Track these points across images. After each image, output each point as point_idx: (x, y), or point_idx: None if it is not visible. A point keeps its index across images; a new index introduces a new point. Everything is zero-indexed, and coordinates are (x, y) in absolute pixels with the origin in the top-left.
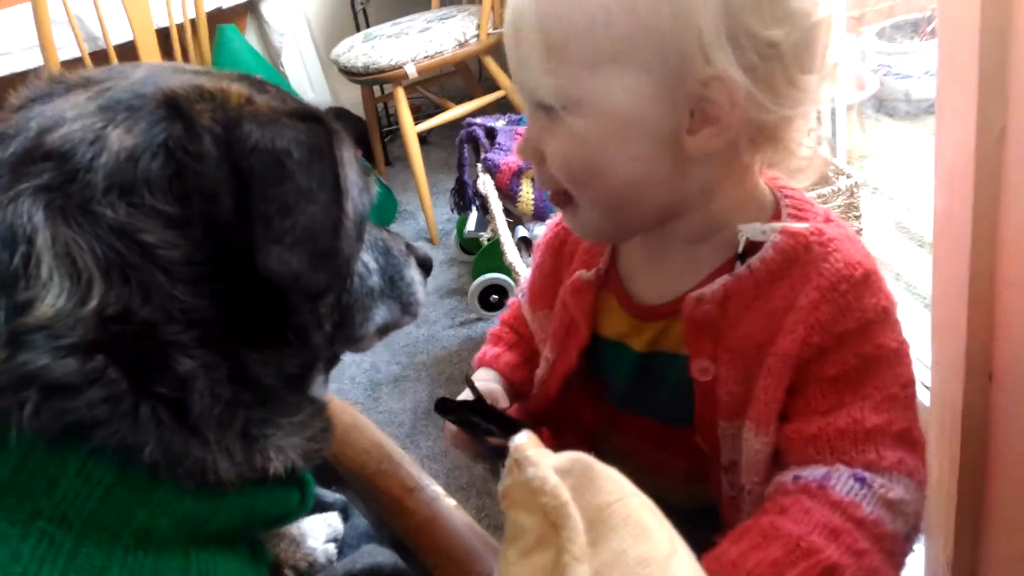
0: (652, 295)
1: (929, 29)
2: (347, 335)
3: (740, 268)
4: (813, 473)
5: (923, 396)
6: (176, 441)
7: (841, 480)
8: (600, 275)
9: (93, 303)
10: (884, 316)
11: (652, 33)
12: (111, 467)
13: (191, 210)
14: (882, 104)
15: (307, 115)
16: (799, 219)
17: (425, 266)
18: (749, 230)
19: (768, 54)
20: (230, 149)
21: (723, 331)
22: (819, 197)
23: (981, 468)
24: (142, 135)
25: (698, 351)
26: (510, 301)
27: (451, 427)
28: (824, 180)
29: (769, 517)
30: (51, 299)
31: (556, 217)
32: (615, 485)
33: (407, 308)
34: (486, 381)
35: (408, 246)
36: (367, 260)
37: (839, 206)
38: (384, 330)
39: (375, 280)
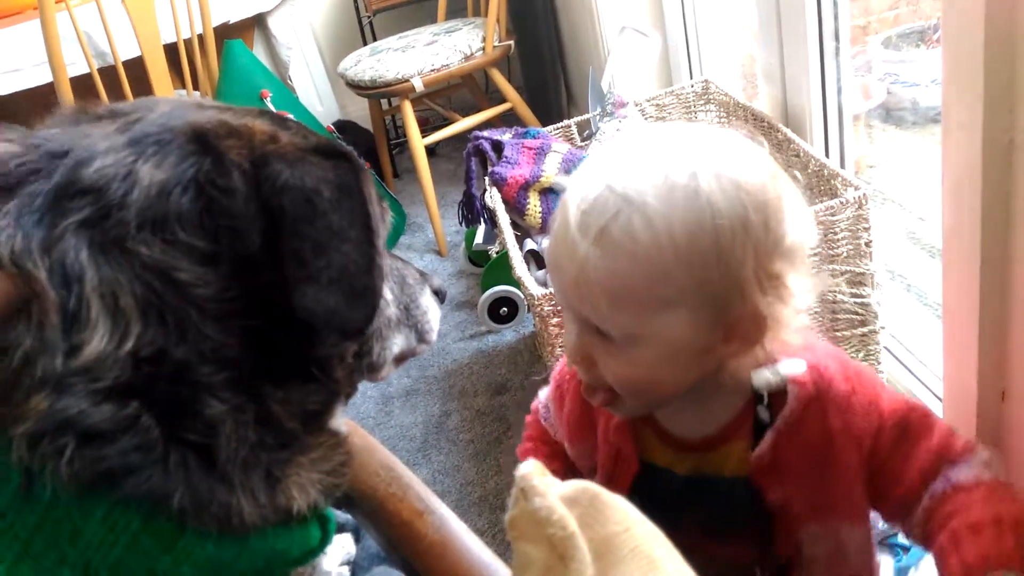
0: (686, 432)
1: (936, 37)
2: (366, 365)
3: (778, 423)
4: (937, 485)
5: (936, 408)
6: (203, 487)
7: (958, 472)
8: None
9: (129, 344)
10: (881, 395)
11: (704, 284)
12: (137, 515)
13: (220, 246)
14: (889, 113)
15: (333, 152)
16: (791, 359)
17: (439, 295)
18: (762, 383)
19: (775, 281)
20: (259, 185)
21: (782, 467)
22: (827, 210)
23: None
24: (172, 169)
25: (768, 483)
26: (527, 419)
27: None
28: (832, 192)
29: (954, 523)
30: (96, 341)
31: (561, 364)
32: (623, 515)
33: (423, 336)
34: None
35: (422, 274)
36: (384, 291)
37: (848, 218)
38: (401, 358)
39: (392, 310)
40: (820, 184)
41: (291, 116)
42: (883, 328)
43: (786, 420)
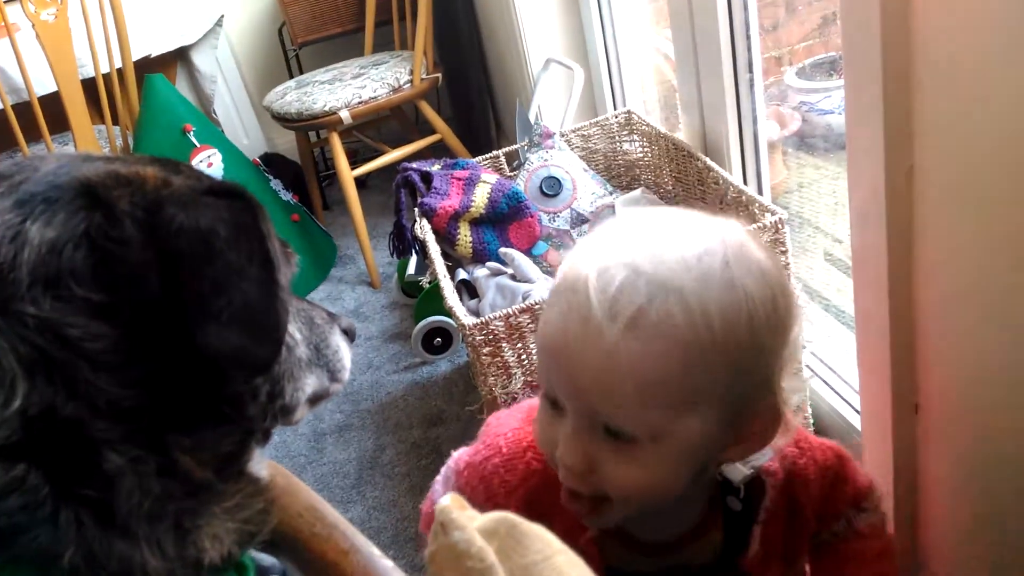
0: (655, 535)
1: None
2: (280, 408)
3: (761, 516)
4: (838, 525)
5: (855, 422)
6: (99, 543)
7: (859, 518)
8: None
9: (16, 403)
10: (814, 442)
11: (741, 375)
12: (30, 573)
13: (118, 296)
14: (804, 140)
15: (226, 191)
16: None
17: (349, 334)
18: (737, 476)
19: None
20: (154, 232)
21: (769, 555)
22: None
23: (913, 498)
24: (62, 226)
25: (757, 572)
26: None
27: None
28: (750, 217)
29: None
30: None
31: (474, 461)
32: (542, 544)
33: (335, 376)
34: (455, 498)
35: (330, 315)
36: (292, 331)
37: (765, 242)
38: (314, 400)
39: (302, 350)
40: (739, 210)
41: (215, 150)
42: (804, 347)
43: (767, 510)
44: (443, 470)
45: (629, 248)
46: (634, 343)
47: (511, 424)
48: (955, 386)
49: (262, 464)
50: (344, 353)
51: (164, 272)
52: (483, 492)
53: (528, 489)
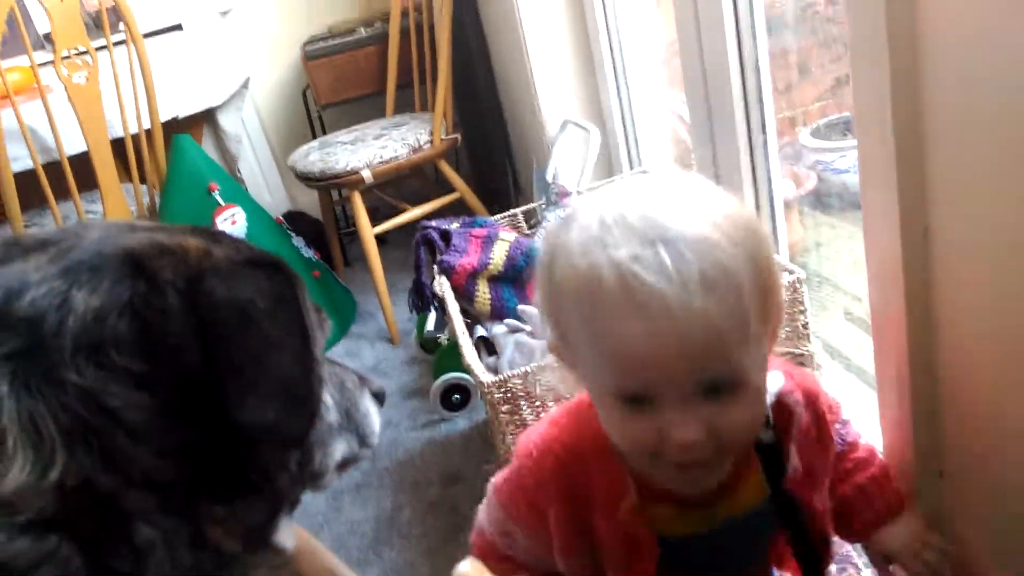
0: (694, 487)
1: None
2: (308, 474)
3: (794, 433)
4: (846, 433)
5: None
6: None
7: (853, 426)
8: (634, 499)
9: (54, 474)
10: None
11: (770, 279)
12: None
13: (159, 365)
14: (819, 199)
15: (266, 263)
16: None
17: (379, 398)
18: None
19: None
20: (195, 303)
21: (810, 473)
22: None
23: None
24: (106, 295)
25: (807, 495)
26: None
27: None
28: None
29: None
30: (15, 472)
31: (511, 475)
32: None
33: (364, 440)
34: (474, 564)
35: (361, 378)
36: (324, 397)
37: (784, 302)
38: (343, 465)
39: (333, 416)
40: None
41: (239, 208)
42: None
43: (802, 431)
44: (486, 496)
45: (640, 227)
46: (716, 300)
47: (538, 431)
48: (979, 451)
49: (288, 532)
50: (374, 418)
51: (204, 343)
52: (523, 500)
53: (561, 478)
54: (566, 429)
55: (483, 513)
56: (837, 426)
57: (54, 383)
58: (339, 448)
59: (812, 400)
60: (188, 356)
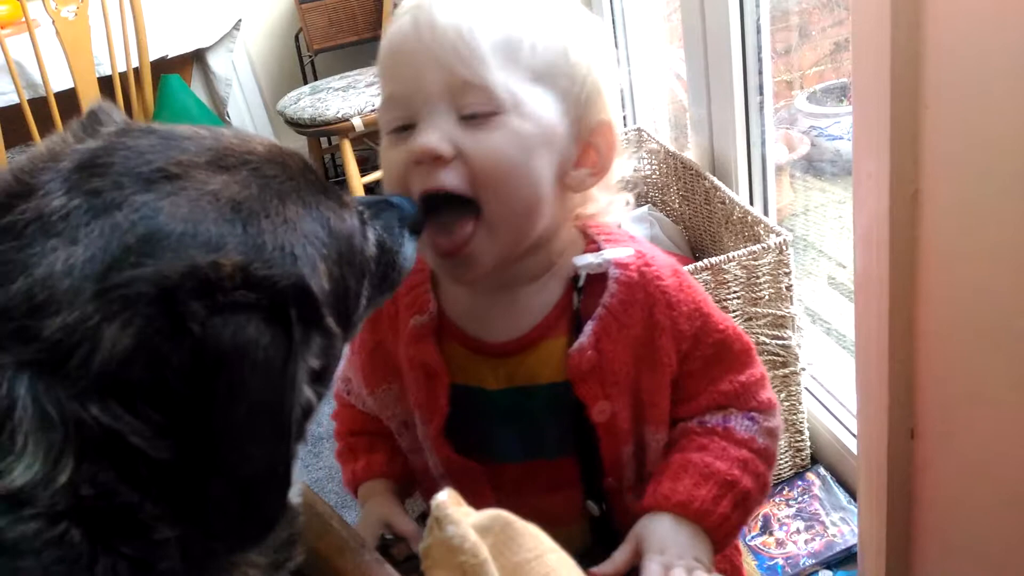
0: (498, 334)
1: None
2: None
3: (599, 310)
4: (715, 418)
5: (852, 447)
6: None
7: (739, 421)
8: (433, 318)
9: (63, 478)
10: (708, 304)
11: (577, 69)
12: None
13: (177, 419)
14: (812, 164)
15: (276, 313)
16: (617, 246)
17: (415, 229)
18: (585, 264)
19: (611, 125)
20: (203, 363)
21: (604, 371)
22: (750, 255)
23: (908, 523)
24: (136, 337)
25: (591, 396)
26: (332, 413)
27: None
28: (755, 238)
29: (696, 455)
30: (21, 469)
31: None
32: (535, 542)
33: (396, 283)
34: (379, 509)
35: (401, 218)
36: (361, 300)
37: (769, 263)
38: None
39: (361, 310)
40: (744, 230)
41: None
42: (803, 369)
43: (608, 307)
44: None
45: None
46: (472, 20)
47: None
48: (953, 414)
49: (297, 489)
50: (409, 256)
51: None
52: (354, 356)
53: (378, 333)
54: None
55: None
56: (734, 414)
57: (74, 405)
58: (368, 313)
59: (658, 296)
60: (198, 414)
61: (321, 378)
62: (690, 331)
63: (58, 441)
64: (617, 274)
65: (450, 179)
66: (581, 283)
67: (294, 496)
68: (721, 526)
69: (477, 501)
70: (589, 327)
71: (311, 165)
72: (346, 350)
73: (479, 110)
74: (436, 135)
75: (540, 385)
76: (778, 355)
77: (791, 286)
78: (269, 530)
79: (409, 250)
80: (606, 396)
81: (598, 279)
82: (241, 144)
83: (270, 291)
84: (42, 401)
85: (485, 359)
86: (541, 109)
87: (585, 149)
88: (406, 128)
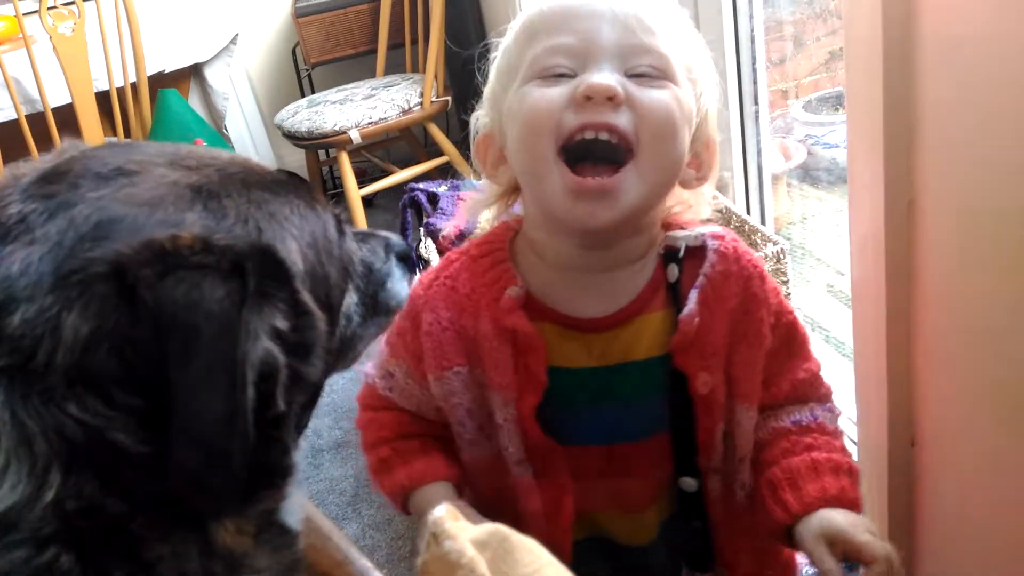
0: (593, 310)
1: None
2: (343, 364)
3: (701, 280)
4: (803, 415)
5: (852, 453)
6: None
7: (824, 415)
8: (522, 295)
9: (50, 495)
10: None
11: (701, 79)
12: None
13: (152, 400)
14: (808, 173)
15: (234, 270)
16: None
17: (406, 260)
18: (684, 236)
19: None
20: (160, 329)
21: (703, 342)
22: None
23: (909, 531)
24: (95, 321)
25: (694, 367)
26: (361, 420)
27: None
28: (752, 247)
29: (816, 454)
30: (6, 490)
31: (431, 274)
32: (532, 556)
33: (391, 312)
34: (449, 509)
35: (387, 247)
36: (350, 303)
37: (767, 271)
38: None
39: (356, 319)
40: (741, 239)
41: None
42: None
43: (708, 276)
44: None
45: None
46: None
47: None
48: (952, 422)
49: (298, 515)
50: (401, 287)
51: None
52: (409, 328)
53: (449, 294)
54: (455, 262)
55: (370, 367)
56: (816, 408)
57: (52, 409)
58: (366, 340)
59: (751, 270)
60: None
61: (297, 351)
62: (776, 307)
63: (43, 454)
64: (716, 245)
65: (620, 120)
66: (681, 254)
67: (295, 522)
68: (859, 509)
69: (554, 486)
70: (694, 295)
71: (289, 171)
72: (381, 344)
73: (648, 72)
74: (612, 78)
75: (635, 361)
76: None
77: (789, 294)
78: (236, 490)
79: (398, 275)
80: (706, 368)
81: (694, 254)
82: (206, 152)
83: (229, 253)
84: (20, 415)
85: (578, 335)
86: (684, 91)
87: (694, 156)
88: (564, 76)
